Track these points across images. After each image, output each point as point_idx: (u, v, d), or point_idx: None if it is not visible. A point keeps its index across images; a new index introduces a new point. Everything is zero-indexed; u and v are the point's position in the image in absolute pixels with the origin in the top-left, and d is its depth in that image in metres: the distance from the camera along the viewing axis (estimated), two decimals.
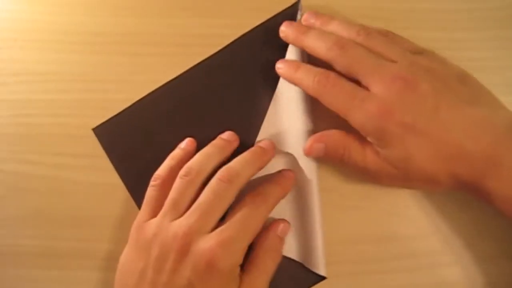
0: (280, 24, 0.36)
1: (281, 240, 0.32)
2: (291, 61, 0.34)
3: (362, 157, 0.31)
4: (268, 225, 0.33)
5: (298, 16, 0.37)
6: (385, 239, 0.34)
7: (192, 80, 0.37)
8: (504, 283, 0.33)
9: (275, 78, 0.36)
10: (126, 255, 0.31)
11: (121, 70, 0.37)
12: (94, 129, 0.36)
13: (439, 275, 0.34)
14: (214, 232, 0.29)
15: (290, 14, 0.37)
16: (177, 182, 0.31)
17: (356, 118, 0.30)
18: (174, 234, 0.29)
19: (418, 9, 0.37)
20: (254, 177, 0.34)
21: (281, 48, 0.36)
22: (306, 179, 0.33)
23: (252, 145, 0.35)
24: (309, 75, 0.32)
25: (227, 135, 0.34)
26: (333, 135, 0.32)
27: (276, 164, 0.34)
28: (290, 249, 0.33)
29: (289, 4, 0.37)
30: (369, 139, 0.31)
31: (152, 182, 0.32)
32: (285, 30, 0.34)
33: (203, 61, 0.37)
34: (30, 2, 0.39)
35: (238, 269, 0.30)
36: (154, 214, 0.31)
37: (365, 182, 0.35)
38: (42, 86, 0.37)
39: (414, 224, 0.34)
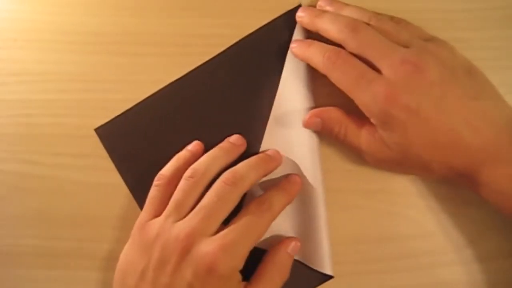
0: (281, 26, 0.36)
1: (291, 257, 0.32)
2: (304, 40, 0.35)
3: (357, 138, 0.32)
4: (280, 241, 0.32)
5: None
6: (385, 239, 0.34)
7: (195, 82, 0.37)
8: (505, 282, 0.33)
9: (277, 80, 0.36)
10: (127, 254, 0.31)
11: (121, 70, 0.37)
12: (96, 130, 0.36)
13: (439, 274, 0.34)
14: (216, 236, 0.29)
15: (291, 16, 0.37)
16: (182, 183, 0.31)
17: (362, 98, 0.30)
18: (176, 235, 0.29)
19: (418, 9, 0.37)
20: (260, 182, 0.34)
21: (282, 50, 0.36)
22: (311, 180, 0.33)
23: (257, 148, 0.35)
24: (320, 51, 0.32)
25: (234, 138, 0.34)
26: (331, 112, 0.33)
27: (282, 165, 0.34)
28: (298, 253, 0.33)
29: (288, 3, 0.37)
30: (372, 120, 0.31)
31: (155, 182, 0.32)
32: (301, 15, 0.35)
33: (205, 63, 0.37)
34: (30, 2, 0.39)
35: (239, 275, 0.30)
36: (156, 214, 0.31)
37: (365, 182, 0.35)
38: (42, 86, 0.37)
39: (414, 224, 0.34)
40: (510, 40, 0.37)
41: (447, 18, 0.37)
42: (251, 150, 0.35)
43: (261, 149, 0.35)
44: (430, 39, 0.33)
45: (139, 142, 0.36)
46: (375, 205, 0.35)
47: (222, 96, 0.36)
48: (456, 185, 0.33)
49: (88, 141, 0.36)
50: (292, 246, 0.32)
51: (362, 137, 0.32)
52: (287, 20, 0.37)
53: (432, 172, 0.31)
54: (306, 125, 0.34)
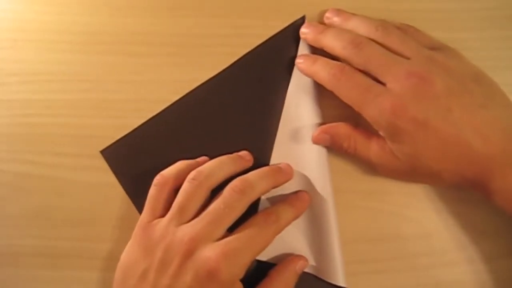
0: (286, 39, 0.36)
1: (297, 275, 0.32)
2: (310, 55, 0.35)
3: (367, 151, 0.32)
4: (288, 259, 0.32)
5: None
6: (385, 239, 0.34)
7: (199, 99, 0.36)
8: (505, 281, 0.33)
9: (284, 94, 0.36)
10: (129, 254, 0.31)
11: (121, 70, 0.37)
12: (102, 152, 0.36)
13: (439, 275, 0.34)
14: (220, 242, 0.29)
15: (295, 29, 0.37)
16: (185, 185, 0.31)
17: (370, 112, 0.30)
18: (180, 238, 0.29)
19: (418, 9, 0.37)
20: (270, 195, 0.34)
21: (288, 63, 0.36)
22: (322, 194, 0.33)
23: (267, 163, 0.35)
24: (325, 68, 0.33)
25: (242, 153, 0.34)
26: (340, 128, 0.33)
27: (294, 181, 0.34)
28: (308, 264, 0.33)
29: (288, 3, 0.37)
30: (381, 133, 0.31)
31: (153, 182, 0.32)
32: (305, 32, 0.35)
33: (209, 80, 0.36)
34: (29, 2, 0.39)
35: (240, 284, 0.30)
36: (155, 213, 0.31)
37: (365, 183, 0.35)
38: (42, 86, 0.37)
39: (414, 224, 0.34)
40: (510, 40, 0.37)
41: (446, 18, 0.37)
42: (260, 165, 0.34)
43: (270, 164, 0.35)
44: (439, 47, 0.33)
45: (146, 162, 0.35)
46: (375, 205, 0.35)
47: (228, 113, 0.36)
48: (464, 189, 0.33)
49: (88, 141, 0.36)
50: (300, 265, 0.32)
51: (372, 150, 0.32)
52: (292, 33, 0.37)
53: (443, 181, 0.31)
54: (315, 141, 0.34)
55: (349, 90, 0.31)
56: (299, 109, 0.35)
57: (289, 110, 0.36)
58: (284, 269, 0.32)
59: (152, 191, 0.32)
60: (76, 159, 0.36)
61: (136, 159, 0.35)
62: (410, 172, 0.31)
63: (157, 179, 0.32)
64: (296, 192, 0.33)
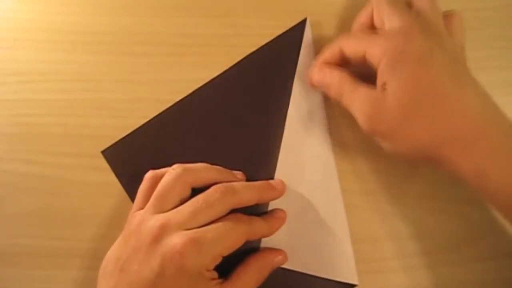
0: (288, 42, 0.36)
1: (272, 268, 0.32)
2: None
3: (353, 98, 0.31)
4: (270, 249, 0.33)
5: (306, 33, 0.37)
6: (383, 239, 0.34)
7: (201, 100, 0.36)
8: (503, 281, 0.33)
9: (286, 97, 0.36)
10: (114, 245, 0.31)
11: (121, 70, 0.37)
12: (103, 152, 0.36)
13: (438, 274, 0.34)
14: (189, 230, 0.29)
15: (296, 32, 0.37)
16: (165, 176, 0.31)
17: (378, 43, 0.30)
18: (151, 225, 0.29)
19: None
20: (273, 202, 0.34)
21: (291, 65, 0.36)
22: (330, 198, 0.34)
23: (271, 168, 0.35)
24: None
25: (235, 171, 0.34)
26: (334, 73, 0.33)
27: (293, 196, 0.34)
28: (320, 268, 0.33)
29: (288, 2, 0.37)
30: (383, 63, 0.30)
31: (145, 176, 0.32)
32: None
33: (210, 81, 0.36)
34: (30, 2, 0.39)
35: (211, 273, 0.29)
36: (141, 206, 0.31)
37: (364, 182, 0.35)
38: (42, 86, 0.37)
39: (412, 224, 0.34)
40: (510, 40, 0.37)
41: None
42: (266, 166, 0.34)
43: (277, 170, 0.35)
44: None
45: (147, 163, 0.34)
46: (373, 205, 0.35)
47: (230, 115, 0.36)
48: (459, 182, 0.33)
49: (88, 141, 0.36)
50: (277, 260, 0.32)
51: (358, 97, 0.31)
52: (294, 36, 0.37)
53: (429, 136, 0.29)
54: (315, 81, 0.34)
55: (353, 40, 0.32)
56: (304, 109, 0.35)
57: (294, 111, 0.36)
58: (262, 259, 0.32)
59: (142, 185, 0.32)
60: (76, 159, 0.36)
61: (137, 160, 0.35)
62: (394, 121, 0.29)
63: (149, 173, 0.32)
64: (273, 210, 0.34)
